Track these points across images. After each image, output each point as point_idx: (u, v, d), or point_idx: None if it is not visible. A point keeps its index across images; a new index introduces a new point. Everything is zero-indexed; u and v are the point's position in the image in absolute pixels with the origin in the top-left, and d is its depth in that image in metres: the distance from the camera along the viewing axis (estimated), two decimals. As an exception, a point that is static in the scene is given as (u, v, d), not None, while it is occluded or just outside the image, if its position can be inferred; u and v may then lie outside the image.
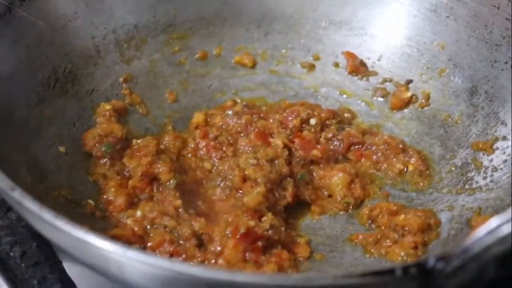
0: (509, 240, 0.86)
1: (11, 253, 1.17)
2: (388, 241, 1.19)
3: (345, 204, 1.26)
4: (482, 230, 0.87)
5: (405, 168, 1.32)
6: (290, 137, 1.31)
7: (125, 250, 0.89)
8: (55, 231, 0.94)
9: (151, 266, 0.88)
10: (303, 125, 1.34)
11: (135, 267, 0.90)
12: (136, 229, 1.12)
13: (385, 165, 1.32)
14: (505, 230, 0.86)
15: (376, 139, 1.34)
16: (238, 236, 1.09)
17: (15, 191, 0.96)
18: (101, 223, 1.17)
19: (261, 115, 1.35)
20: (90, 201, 1.20)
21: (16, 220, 1.19)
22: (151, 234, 1.12)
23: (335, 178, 1.27)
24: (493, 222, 0.87)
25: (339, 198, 1.27)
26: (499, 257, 0.88)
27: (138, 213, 1.15)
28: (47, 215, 0.93)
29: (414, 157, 1.32)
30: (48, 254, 1.16)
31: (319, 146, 1.30)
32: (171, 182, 1.21)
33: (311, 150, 1.29)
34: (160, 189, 1.21)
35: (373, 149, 1.33)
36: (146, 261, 0.89)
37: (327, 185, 1.28)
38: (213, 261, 1.09)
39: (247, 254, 1.09)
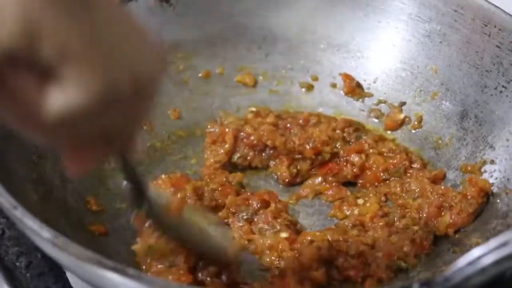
0: (489, 271, 0.85)
1: (17, 263, 1.16)
2: None
3: None
4: (463, 260, 0.85)
5: None
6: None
7: (120, 271, 0.88)
8: (55, 250, 0.93)
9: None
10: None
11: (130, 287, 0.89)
12: None
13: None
14: (486, 261, 0.85)
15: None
16: None
17: (17, 209, 0.95)
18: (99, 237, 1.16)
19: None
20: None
21: (23, 231, 1.18)
22: None
23: None
24: (475, 252, 0.86)
25: None
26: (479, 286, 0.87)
27: None
28: (47, 234, 0.92)
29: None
30: (52, 265, 1.15)
31: None
32: None
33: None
34: None
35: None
36: (140, 284, 0.88)
37: None
38: None
39: None
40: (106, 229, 1.19)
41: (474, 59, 1.33)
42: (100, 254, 0.91)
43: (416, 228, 1.20)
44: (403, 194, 1.27)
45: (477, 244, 1.15)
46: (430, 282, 0.86)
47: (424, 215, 1.22)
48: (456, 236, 1.19)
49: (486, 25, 1.31)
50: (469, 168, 1.29)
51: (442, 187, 1.25)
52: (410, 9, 1.40)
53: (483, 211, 1.22)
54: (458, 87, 1.36)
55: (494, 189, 1.23)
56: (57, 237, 0.92)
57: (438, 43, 1.38)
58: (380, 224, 1.22)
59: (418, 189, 1.27)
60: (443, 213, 1.22)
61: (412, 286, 0.87)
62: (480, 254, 0.85)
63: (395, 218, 1.23)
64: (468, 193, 1.21)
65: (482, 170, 1.28)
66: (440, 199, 1.22)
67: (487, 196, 1.23)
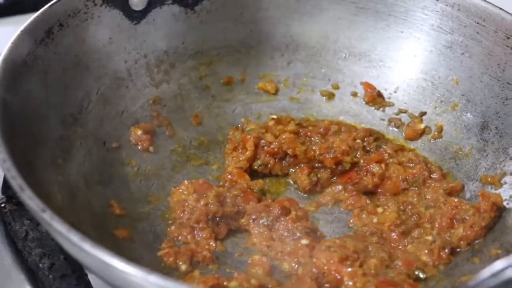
0: (512, 283, 0.85)
1: (40, 265, 1.17)
2: None
3: None
4: (486, 272, 0.86)
5: None
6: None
7: (146, 274, 0.89)
8: (81, 253, 0.94)
9: (170, 291, 0.89)
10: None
11: (154, 291, 0.91)
12: None
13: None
14: (509, 273, 0.85)
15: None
16: None
17: (46, 212, 0.96)
18: (123, 241, 1.17)
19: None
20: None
21: (46, 233, 1.20)
22: None
23: None
24: (498, 264, 0.86)
25: None
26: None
27: None
28: (74, 238, 0.94)
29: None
30: (74, 266, 1.16)
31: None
32: None
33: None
34: None
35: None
36: (166, 286, 0.89)
37: None
38: None
39: None
40: (130, 233, 1.20)
41: (496, 71, 1.34)
42: (125, 258, 0.92)
43: (429, 238, 1.21)
44: (418, 204, 1.28)
45: (497, 255, 1.16)
46: (453, 293, 0.86)
47: (436, 225, 1.23)
48: (476, 246, 1.20)
49: (508, 38, 1.32)
50: (489, 179, 1.29)
51: (456, 200, 1.25)
52: (432, 20, 1.41)
53: (496, 224, 1.23)
54: (479, 98, 1.36)
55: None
56: (85, 240, 0.93)
57: (459, 54, 1.39)
58: (397, 232, 1.23)
59: (432, 199, 1.27)
60: (456, 226, 1.22)
61: (434, 297, 0.87)
62: (504, 267, 0.85)
63: (410, 227, 1.24)
64: (481, 207, 1.21)
65: (502, 181, 1.28)
66: (453, 211, 1.23)
67: (499, 210, 1.23)
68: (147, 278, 0.89)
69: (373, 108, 1.46)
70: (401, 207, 1.28)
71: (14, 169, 1.00)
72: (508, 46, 1.32)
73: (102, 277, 1.01)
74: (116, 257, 0.91)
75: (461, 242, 1.21)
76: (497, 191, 1.27)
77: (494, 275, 0.85)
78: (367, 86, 1.46)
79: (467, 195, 1.30)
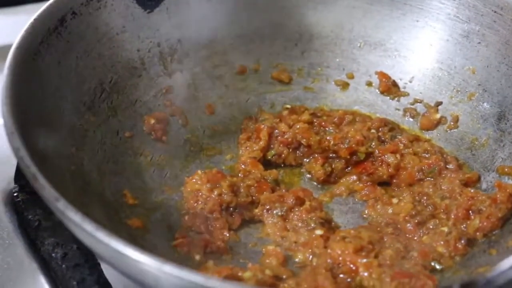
0: (532, 274, 0.84)
1: (53, 254, 1.17)
2: None
3: None
4: (506, 263, 0.85)
5: None
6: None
7: (161, 264, 0.89)
8: (95, 242, 0.94)
9: (185, 281, 0.88)
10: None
11: (170, 281, 0.90)
12: None
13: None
14: (529, 264, 0.84)
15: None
16: None
17: (60, 201, 0.96)
18: (136, 231, 1.17)
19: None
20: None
21: (59, 222, 1.18)
22: None
23: None
24: (518, 256, 0.85)
25: None
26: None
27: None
28: (89, 227, 0.93)
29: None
30: (87, 256, 1.15)
31: None
32: None
33: None
34: None
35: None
36: (180, 276, 0.88)
37: None
38: None
39: None
40: (143, 223, 1.20)
41: (513, 61, 1.32)
42: (138, 248, 0.91)
43: (445, 229, 1.19)
44: (434, 194, 1.27)
45: (515, 246, 1.15)
46: (472, 284, 0.85)
47: (452, 216, 1.21)
48: (492, 238, 1.18)
49: (526, 27, 1.30)
50: (506, 170, 1.28)
51: (472, 190, 1.24)
52: (449, 9, 1.39)
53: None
54: (496, 88, 1.35)
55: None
56: (99, 229, 0.92)
57: (476, 44, 1.37)
58: (413, 223, 1.21)
59: (447, 190, 1.26)
60: (472, 217, 1.21)
61: (452, 287, 0.86)
62: (524, 258, 0.84)
63: (426, 218, 1.23)
64: (497, 198, 1.20)
65: (519, 172, 1.27)
66: (469, 202, 1.22)
67: None
68: (162, 268, 0.88)
69: (388, 98, 1.45)
70: (417, 197, 1.27)
71: (28, 157, 1.00)
72: (526, 35, 1.30)
73: (116, 267, 1.00)
74: (130, 246, 0.90)
75: (477, 233, 1.19)
76: (514, 182, 1.26)
77: (514, 266, 0.84)
78: (382, 75, 1.45)
79: (484, 186, 1.29)
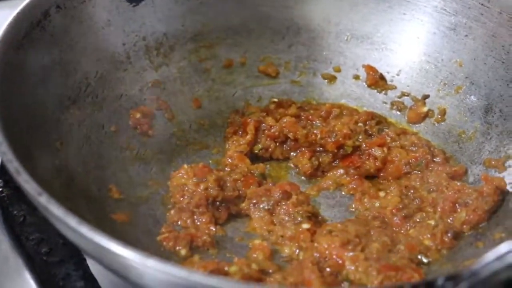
0: (517, 266, 0.84)
1: (37, 250, 1.16)
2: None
3: None
4: (491, 255, 0.84)
5: None
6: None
7: (144, 258, 0.88)
8: (79, 237, 0.93)
9: (168, 275, 0.87)
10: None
11: (153, 276, 0.89)
12: None
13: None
14: (514, 256, 0.84)
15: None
16: None
17: (42, 196, 0.95)
18: (121, 225, 1.16)
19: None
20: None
21: (44, 218, 1.17)
22: None
23: None
24: (502, 248, 0.85)
25: None
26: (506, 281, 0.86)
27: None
28: (72, 221, 0.92)
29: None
30: (73, 252, 1.15)
31: None
32: None
33: None
34: None
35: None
36: (164, 270, 0.87)
37: None
38: None
39: None
40: (128, 217, 1.19)
41: (500, 53, 1.32)
42: (122, 242, 0.90)
43: (432, 222, 1.19)
44: (421, 188, 1.27)
45: (500, 238, 1.15)
46: (457, 276, 0.85)
47: (439, 209, 1.21)
48: (479, 230, 1.18)
49: (513, 19, 1.30)
50: (493, 162, 1.28)
51: (458, 183, 1.24)
52: (435, 2, 1.39)
53: (499, 208, 1.21)
54: (483, 81, 1.34)
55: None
56: (82, 224, 0.91)
57: (463, 36, 1.37)
58: (399, 216, 1.21)
59: (434, 183, 1.26)
60: (458, 210, 1.21)
61: (437, 281, 0.86)
62: (509, 250, 0.84)
63: (413, 211, 1.23)
64: (484, 191, 1.20)
65: (506, 165, 1.27)
66: (456, 195, 1.22)
67: (502, 194, 1.22)
68: (145, 262, 0.88)
69: (375, 91, 1.44)
70: (404, 191, 1.27)
71: (10, 152, 0.99)
72: (512, 28, 1.30)
73: (100, 262, 0.99)
74: (113, 240, 0.89)
75: (464, 226, 1.19)
76: (501, 175, 1.25)
77: (499, 258, 0.84)
78: (369, 69, 1.44)
79: (471, 179, 1.28)
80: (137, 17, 1.37)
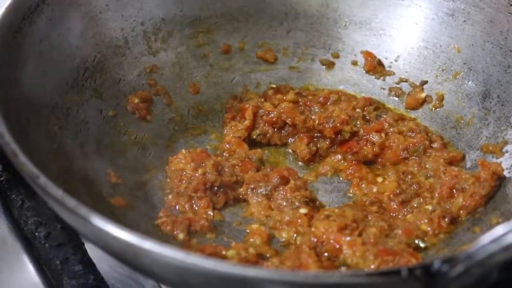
0: (512, 248, 0.84)
1: (36, 234, 1.16)
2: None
3: None
4: (486, 238, 0.85)
5: None
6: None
7: (141, 240, 0.88)
8: (76, 219, 0.93)
9: (165, 257, 0.87)
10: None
11: (150, 258, 0.90)
12: None
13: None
14: (510, 239, 0.84)
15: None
16: None
17: (40, 178, 0.95)
18: (119, 210, 1.17)
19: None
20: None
21: (42, 202, 1.18)
22: None
23: None
24: (498, 230, 0.85)
25: None
26: (502, 263, 0.87)
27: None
28: (70, 203, 0.93)
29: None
30: (71, 235, 1.15)
31: None
32: None
33: None
34: None
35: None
36: (161, 252, 0.88)
37: None
38: None
39: None
40: (126, 201, 1.19)
41: (498, 39, 1.32)
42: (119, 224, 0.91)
43: (429, 207, 1.20)
44: (418, 173, 1.27)
45: (497, 223, 1.15)
46: (453, 259, 0.85)
47: (436, 194, 1.22)
48: (476, 215, 1.19)
49: (511, 5, 1.30)
50: (491, 148, 1.28)
51: (455, 169, 1.24)
52: (434, -13, 1.39)
53: (496, 193, 1.22)
54: (481, 66, 1.35)
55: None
56: (79, 206, 0.92)
57: (461, 22, 1.37)
58: (397, 202, 1.22)
59: (431, 169, 1.26)
60: (456, 195, 1.21)
61: (433, 263, 0.86)
62: (504, 232, 0.84)
63: (410, 197, 1.23)
64: (481, 176, 1.20)
65: (504, 150, 1.27)
66: (453, 180, 1.22)
67: (499, 179, 1.22)
68: (142, 245, 0.88)
69: (374, 77, 1.44)
70: (401, 176, 1.27)
71: (8, 134, 0.99)
72: (510, 13, 1.30)
73: (97, 244, 1.00)
74: (111, 222, 0.90)
75: (461, 212, 1.20)
76: (498, 160, 1.26)
77: (494, 240, 0.84)
78: (368, 54, 1.44)
79: (468, 164, 1.29)
80: (135, 2, 1.37)
